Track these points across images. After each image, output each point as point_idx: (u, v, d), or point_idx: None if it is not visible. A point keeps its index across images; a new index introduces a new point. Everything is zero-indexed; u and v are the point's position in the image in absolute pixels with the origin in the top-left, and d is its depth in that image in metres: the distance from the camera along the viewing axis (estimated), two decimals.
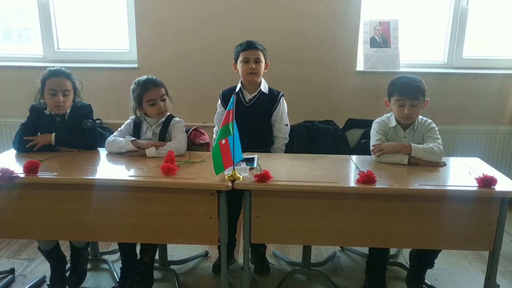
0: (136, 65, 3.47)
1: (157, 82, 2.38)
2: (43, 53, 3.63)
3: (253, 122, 2.49)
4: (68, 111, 2.37)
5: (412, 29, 3.54)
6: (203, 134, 2.66)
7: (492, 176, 1.88)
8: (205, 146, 2.56)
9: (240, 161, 2.11)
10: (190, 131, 2.65)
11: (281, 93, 2.62)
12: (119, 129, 2.40)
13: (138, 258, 2.36)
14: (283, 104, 2.61)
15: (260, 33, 3.29)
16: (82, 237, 2.19)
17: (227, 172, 1.96)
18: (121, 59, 3.59)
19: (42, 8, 3.53)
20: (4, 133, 3.53)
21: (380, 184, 1.92)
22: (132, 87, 2.40)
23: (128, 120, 2.43)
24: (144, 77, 2.40)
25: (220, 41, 3.35)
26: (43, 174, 1.98)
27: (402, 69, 3.42)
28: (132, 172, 2.09)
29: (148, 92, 2.33)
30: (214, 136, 2.64)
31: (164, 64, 3.40)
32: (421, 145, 2.20)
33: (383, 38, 3.48)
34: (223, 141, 1.91)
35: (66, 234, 2.08)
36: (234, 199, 2.06)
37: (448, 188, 1.92)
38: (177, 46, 3.41)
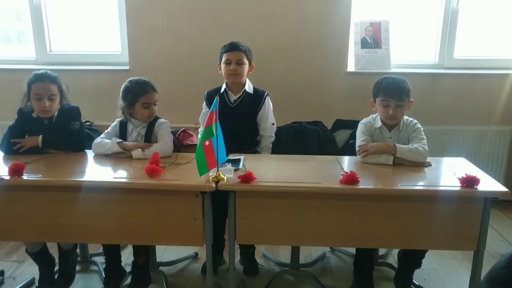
0: (127, 67, 3.47)
1: (154, 87, 2.41)
2: (35, 56, 3.64)
3: (239, 123, 2.50)
4: (56, 114, 2.37)
5: (403, 29, 3.54)
6: (191, 135, 2.68)
7: (475, 176, 1.89)
8: (194, 148, 2.56)
9: (226, 162, 2.12)
10: (179, 132, 2.67)
11: (266, 92, 2.64)
12: (106, 131, 2.42)
13: (121, 258, 2.41)
14: (269, 104, 2.63)
15: (251, 34, 3.29)
16: (68, 239, 2.20)
17: (212, 173, 1.97)
18: (113, 61, 3.59)
19: (34, 10, 3.53)
20: None
21: (364, 184, 1.94)
22: (126, 85, 2.40)
23: (115, 122, 2.45)
24: (142, 78, 2.42)
25: (211, 43, 3.34)
26: (28, 176, 1.99)
27: (393, 70, 3.41)
28: (117, 173, 2.11)
29: (146, 95, 2.35)
30: (199, 136, 2.65)
31: (155, 66, 3.41)
32: (406, 146, 2.21)
33: (374, 39, 3.49)
34: (207, 142, 1.92)
35: (52, 236, 2.10)
36: (221, 200, 2.07)
37: (431, 188, 1.93)
38: (168, 48, 3.41)
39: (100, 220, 2.02)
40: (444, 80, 3.51)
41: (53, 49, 3.67)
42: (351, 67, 3.48)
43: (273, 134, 2.64)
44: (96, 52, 3.65)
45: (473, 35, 3.58)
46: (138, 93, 2.35)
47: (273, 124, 2.63)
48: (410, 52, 3.61)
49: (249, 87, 2.60)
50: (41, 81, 2.31)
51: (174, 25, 3.38)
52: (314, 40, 3.38)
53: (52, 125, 2.36)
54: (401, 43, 3.54)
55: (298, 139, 2.59)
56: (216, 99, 1.91)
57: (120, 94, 2.40)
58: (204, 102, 2.66)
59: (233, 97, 2.57)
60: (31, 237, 2.14)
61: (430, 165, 2.19)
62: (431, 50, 3.59)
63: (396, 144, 2.19)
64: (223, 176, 1.96)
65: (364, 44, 3.49)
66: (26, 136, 2.36)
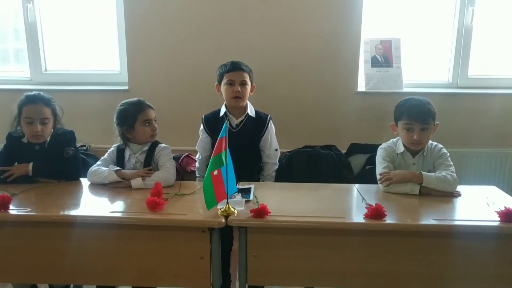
0: (127, 87, 3.30)
1: (150, 104, 2.29)
2: (30, 75, 3.46)
3: (241, 149, 2.30)
4: (48, 139, 2.19)
5: (415, 47, 3.39)
6: (195, 161, 2.49)
7: None
8: None
9: (235, 192, 1.92)
10: (182, 157, 2.49)
11: (269, 116, 2.48)
12: (102, 157, 2.23)
13: None
14: (272, 128, 2.46)
15: (256, 53, 3.14)
16: (60, 280, 1.98)
17: (220, 206, 1.77)
18: (111, 80, 3.42)
19: (29, 28, 3.37)
20: None
21: (390, 218, 1.74)
22: (120, 108, 2.27)
23: (112, 148, 2.27)
24: (135, 98, 2.29)
25: (214, 62, 3.14)
26: (17, 210, 1.80)
27: (405, 89, 3.26)
28: (115, 206, 1.90)
29: (144, 112, 2.23)
30: (197, 164, 2.46)
31: (156, 86, 3.24)
32: (433, 174, 2.02)
33: (384, 57, 3.33)
34: (215, 172, 1.72)
35: (42, 277, 1.88)
36: (225, 231, 1.86)
37: (467, 223, 1.73)
38: (169, 67, 3.24)
39: (96, 259, 1.80)
40: (459, 99, 3.34)
41: (49, 68, 3.50)
42: (361, 86, 3.31)
43: (277, 161, 2.46)
44: (94, 72, 3.50)
45: (488, 52, 3.43)
46: (135, 112, 2.21)
47: (276, 150, 2.46)
48: (423, 71, 3.45)
49: (251, 110, 2.43)
50: (33, 104, 2.14)
51: (175, 44, 3.21)
52: (322, 59, 3.21)
53: (44, 151, 2.18)
54: (413, 61, 3.39)
55: (311, 164, 2.41)
56: (226, 125, 1.71)
57: (115, 120, 2.25)
58: (201, 127, 2.48)
59: (234, 121, 2.40)
60: (19, 278, 1.92)
61: (459, 195, 2.00)
62: (444, 69, 3.43)
63: (423, 172, 2.00)
64: (233, 209, 1.76)
65: (375, 62, 3.33)
66: (16, 163, 2.16)
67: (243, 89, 2.34)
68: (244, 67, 2.39)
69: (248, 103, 2.45)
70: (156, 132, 2.26)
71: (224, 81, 2.37)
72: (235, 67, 2.37)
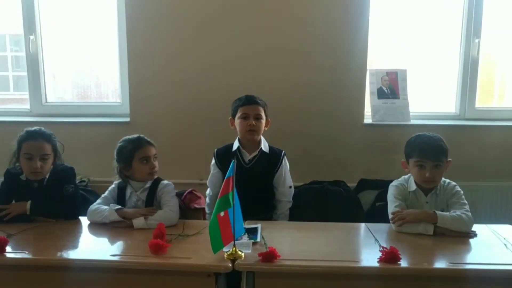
0: (128, 119, 3.24)
1: (150, 141, 2.21)
2: (30, 107, 3.41)
3: (254, 186, 2.24)
4: (47, 175, 2.12)
5: (421, 79, 3.37)
6: (199, 197, 2.40)
7: None
8: (201, 212, 2.31)
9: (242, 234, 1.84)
10: (185, 194, 2.40)
11: (283, 152, 2.41)
12: (102, 195, 2.15)
13: None
14: (286, 164, 2.39)
15: (261, 84, 3.09)
16: None
17: (227, 249, 1.68)
18: (112, 112, 3.37)
19: (30, 60, 3.33)
20: None
21: (404, 261, 1.65)
22: (119, 145, 2.21)
23: (112, 185, 2.19)
24: (135, 135, 2.22)
25: (218, 93, 3.15)
26: (14, 253, 1.72)
27: (412, 122, 3.21)
28: (116, 248, 1.82)
29: (142, 149, 2.14)
30: (207, 200, 2.39)
31: (158, 118, 3.18)
32: (447, 213, 1.95)
33: (391, 89, 3.29)
34: (222, 213, 1.65)
35: None
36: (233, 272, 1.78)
37: (486, 267, 1.64)
38: (172, 98, 3.19)
39: None
40: (466, 131, 3.28)
41: (49, 99, 3.45)
42: (368, 118, 3.26)
43: (291, 199, 2.38)
44: (94, 103, 3.46)
45: (496, 84, 3.41)
46: (132, 149, 2.14)
47: (290, 187, 2.38)
48: (429, 103, 3.41)
49: (264, 145, 2.37)
50: (33, 139, 2.08)
51: (178, 74, 3.17)
52: (328, 91, 3.16)
53: (43, 188, 2.11)
54: (419, 93, 3.35)
55: (320, 201, 2.34)
56: (233, 164, 1.65)
57: (115, 157, 2.18)
58: (213, 162, 2.42)
59: (247, 157, 2.33)
60: None
61: (475, 235, 1.91)
62: (451, 100, 3.39)
63: (437, 212, 1.93)
64: (240, 252, 1.68)
65: (381, 94, 3.29)
66: (13, 201, 2.09)
67: (257, 123, 2.30)
68: (259, 101, 2.35)
69: (262, 138, 2.40)
70: (155, 170, 2.17)
71: (239, 114, 2.32)
72: (249, 100, 2.33)
